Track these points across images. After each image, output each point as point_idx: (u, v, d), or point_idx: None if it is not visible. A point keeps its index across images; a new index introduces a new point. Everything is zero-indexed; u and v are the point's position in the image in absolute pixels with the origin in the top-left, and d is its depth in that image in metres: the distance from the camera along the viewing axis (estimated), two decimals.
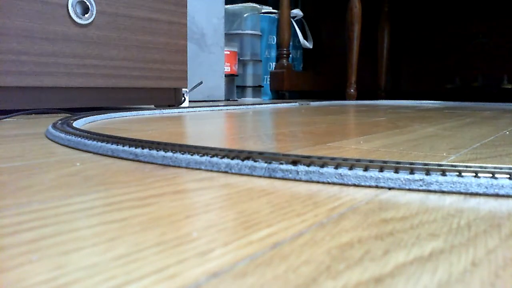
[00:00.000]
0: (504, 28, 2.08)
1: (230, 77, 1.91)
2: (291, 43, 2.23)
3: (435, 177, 0.28)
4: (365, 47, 2.26)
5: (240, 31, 2.02)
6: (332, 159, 0.31)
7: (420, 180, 0.28)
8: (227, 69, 1.88)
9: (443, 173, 0.29)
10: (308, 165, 0.31)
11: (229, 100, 1.90)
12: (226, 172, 0.33)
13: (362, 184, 0.29)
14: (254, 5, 2.05)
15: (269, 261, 0.17)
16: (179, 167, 0.35)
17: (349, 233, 0.20)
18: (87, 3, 0.97)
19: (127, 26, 1.06)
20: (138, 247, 0.18)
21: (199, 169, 0.34)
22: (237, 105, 1.26)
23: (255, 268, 0.16)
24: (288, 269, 0.16)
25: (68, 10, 0.94)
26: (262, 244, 0.18)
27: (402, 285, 0.15)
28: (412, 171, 0.29)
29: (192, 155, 0.35)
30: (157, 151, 0.37)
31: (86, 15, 0.97)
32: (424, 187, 0.28)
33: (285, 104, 1.46)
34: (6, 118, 0.78)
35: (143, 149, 0.38)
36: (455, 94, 2.19)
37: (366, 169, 0.30)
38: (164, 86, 1.17)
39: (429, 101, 1.96)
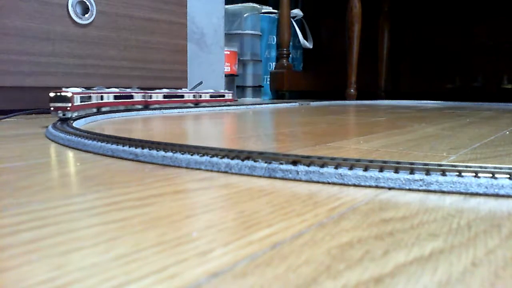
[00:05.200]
0: (504, 28, 2.08)
1: (230, 77, 1.91)
2: (291, 43, 2.23)
3: (435, 177, 0.28)
4: (365, 47, 2.26)
5: (240, 31, 2.02)
6: (332, 159, 0.31)
7: (420, 180, 0.28)
8: (227, 69, 1.88)
9: (443, 173, 0.29)
10: (308, 165, 0.31)
11: None
12: (226, 172, 0.33)
13: (362, 184, 0.29)
14: (254, 5, 2.04)
15: (269, 261, 0.17)
16: (179, 167, 0.35)
17: (349, 233, 0.20)
18: (87, 3, 0.97)
19: (127, 26, 1.06)
20: (138, 247, 0.18)
21: (199, 169, 0.34)
22: (237, 105, 1.25)
23: (255, 268, 0.16)
24: (288, 269, 0.16)
25: (68, 10, 0.94)
26: (262, 244, 0.18)
27: (402, 285, 0.15)
28: (412, 171, 0.29)
29: (192, 155, 0.35)
30: (157, 151, 0.37)
31: (86, 15, 0.97)
32: (424, 187, 0.28)
33: (285, 104, 1.46)
34: (6, 118, 0.78)
35: (143, 149, 0.38)
36: (455, 94, 2.19)
37: (366, 169, 0.30)
38: (164, 86, 1.17)
39: (429, 101, 1.96)
